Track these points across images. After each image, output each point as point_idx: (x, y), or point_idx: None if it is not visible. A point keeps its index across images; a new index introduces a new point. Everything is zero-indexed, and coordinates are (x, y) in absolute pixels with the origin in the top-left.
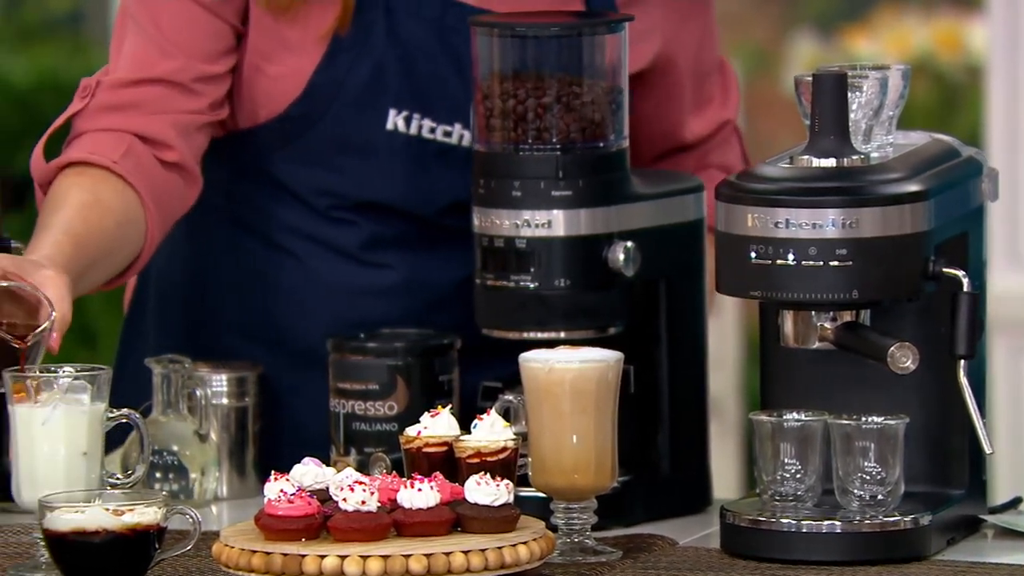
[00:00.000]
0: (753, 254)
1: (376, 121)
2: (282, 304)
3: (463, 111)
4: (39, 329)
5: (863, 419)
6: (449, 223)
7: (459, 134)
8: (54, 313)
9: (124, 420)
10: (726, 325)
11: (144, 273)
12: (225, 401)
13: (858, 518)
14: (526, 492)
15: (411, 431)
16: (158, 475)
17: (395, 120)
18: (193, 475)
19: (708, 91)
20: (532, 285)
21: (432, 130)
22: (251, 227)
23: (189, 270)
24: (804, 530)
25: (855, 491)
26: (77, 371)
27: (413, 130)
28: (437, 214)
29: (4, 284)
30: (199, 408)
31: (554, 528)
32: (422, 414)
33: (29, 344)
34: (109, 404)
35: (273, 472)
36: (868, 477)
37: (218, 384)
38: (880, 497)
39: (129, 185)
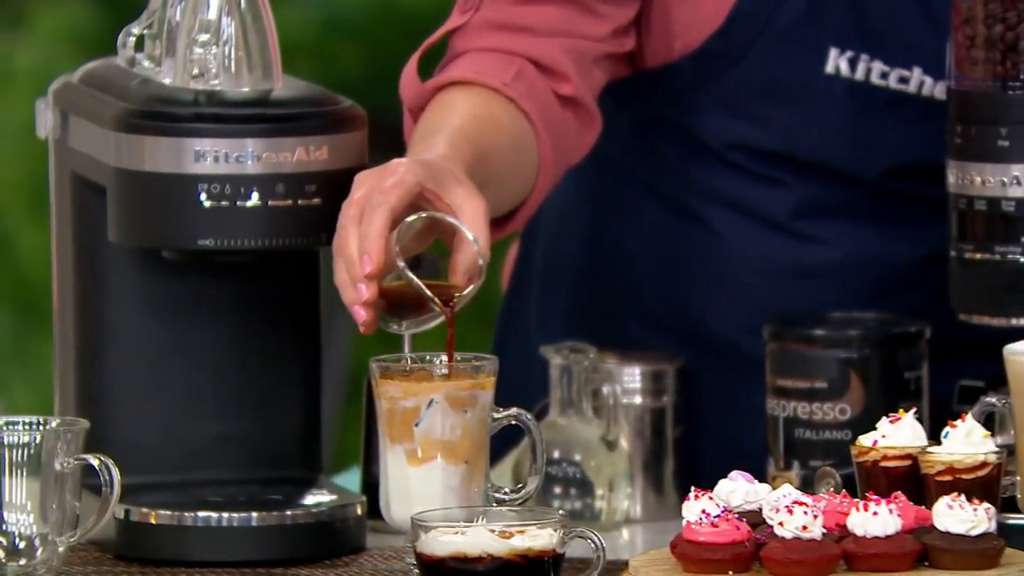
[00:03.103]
0: None
1: (812, 62)
2: (694, 284)
3: (924, 52)
4: (467, 291)
5: None
6: (901, 188)
7: (918, 80)
8: (482, 261)
9: (513, 422)
10: None
11: (529, 240)
12: (639, 400)
13: None
14: (1014, 519)
15: (866, 440)
16: (556, 490)
17: (837, 62)
18: (599, 491)
19: None
20: (1023, 259)
21: (884, 75)
22: (657, 189)
23: (582, 238)
24: None
25: None
26: (458, 360)
27: (859, 74)
28: (884, 177)
29: (423, 215)
30: (607, 409)
31: None
32: (881, 419)
33: (456, 308)
34: (494, 402)
35: (694, 489)
36: None
37: (631, 379)
38: None
39: (522, 111)
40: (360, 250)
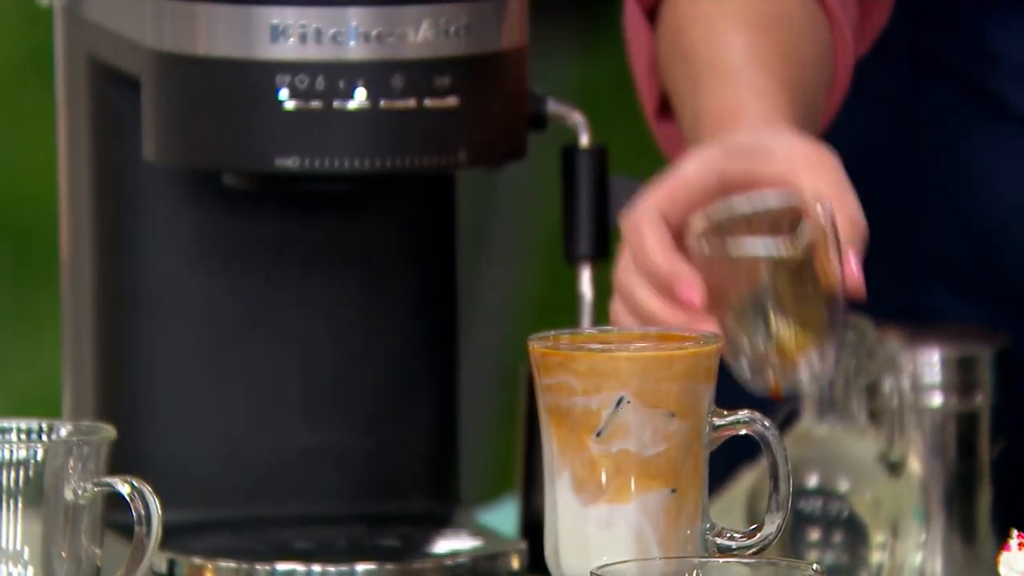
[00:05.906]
0: None
1: None
2: (1019, 229)
3: None
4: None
5: None
6: None
7: None
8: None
9: (744, 432)
10: None
11: None
12: (939, 400)
13: None
14: None
15: None
16: (812, 535)
17: None
18: (877, 536)
19: None
20: None
21: None
22: (983, 90)
23: (860, 164)
24: None
25: None
26: (660, 336)
27: None
28: None
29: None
30: (890, 413)
31: None
32: None
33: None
34: (715, 401)
35: (1017, 533)
36: None
37: (929, 369)
38: None
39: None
40: (669, 272)
